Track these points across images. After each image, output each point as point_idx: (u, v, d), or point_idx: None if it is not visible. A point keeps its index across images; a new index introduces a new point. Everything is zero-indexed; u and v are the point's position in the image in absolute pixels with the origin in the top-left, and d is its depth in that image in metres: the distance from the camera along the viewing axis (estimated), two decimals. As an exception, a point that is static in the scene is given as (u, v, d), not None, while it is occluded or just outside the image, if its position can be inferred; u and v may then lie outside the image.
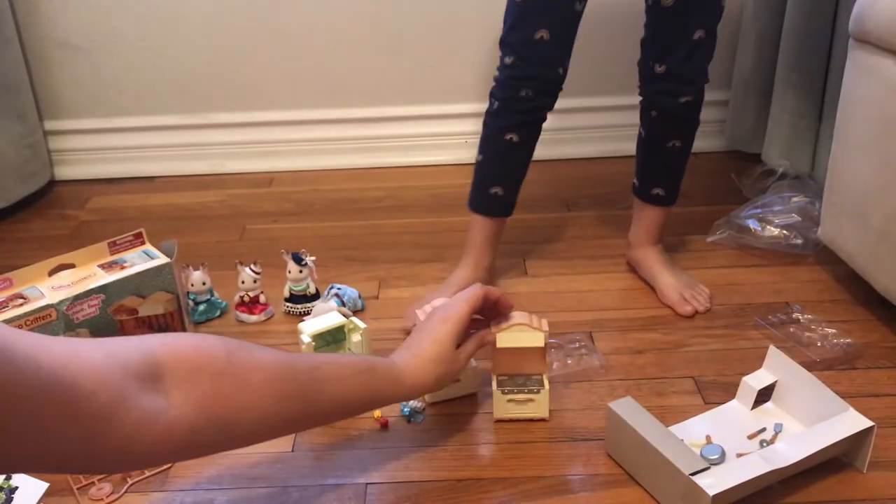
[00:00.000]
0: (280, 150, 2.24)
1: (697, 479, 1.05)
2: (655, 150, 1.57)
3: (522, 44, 1.42)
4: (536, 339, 1.25)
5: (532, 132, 1.52)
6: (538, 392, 1.27)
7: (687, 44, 1.43)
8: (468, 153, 2.24)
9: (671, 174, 1.59)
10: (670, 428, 1.19)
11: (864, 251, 1.48)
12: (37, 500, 1.11)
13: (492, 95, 1.51)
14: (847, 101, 1.49)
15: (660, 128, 1.54)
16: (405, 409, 1.32)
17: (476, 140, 2.22)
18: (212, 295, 1.60)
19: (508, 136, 1.51)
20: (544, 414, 1.29)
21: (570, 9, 1.42)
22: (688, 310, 1.53)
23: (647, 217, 1.61)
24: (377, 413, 1.31)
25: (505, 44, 1.45)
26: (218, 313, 1.60)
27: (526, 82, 1.45)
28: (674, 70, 1.46)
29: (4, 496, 1.11)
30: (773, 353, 1.27)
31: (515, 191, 1.58)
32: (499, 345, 1.25)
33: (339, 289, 1.58)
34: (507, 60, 1.45)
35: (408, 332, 1.44)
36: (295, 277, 1.57)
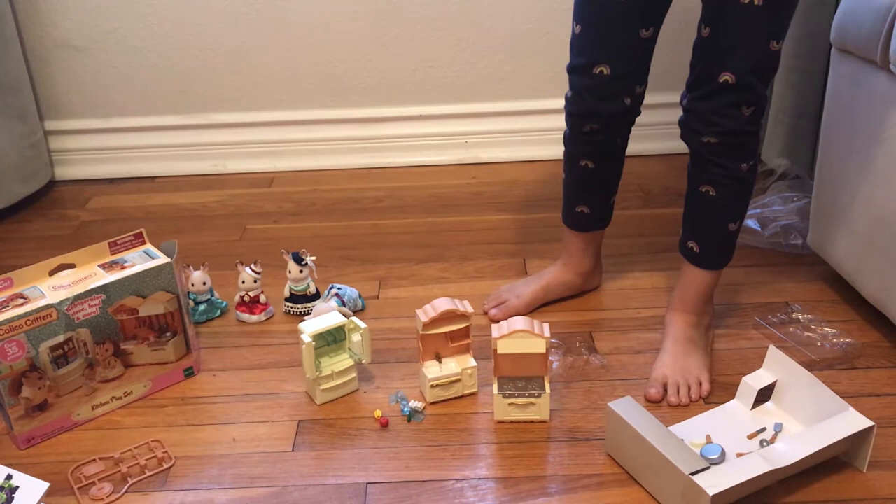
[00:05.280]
0: (280, 150, 2.24)
1: (697, 479, 1.05)
2: (689, 193, 1.41)
3: (581, 78, 1.35)
4: (538, 346, 1.25)
5: (608, 157, 1.48)
6: (539, 396, 1.27)
7: (710, 84, 1.26)
8: (468, 153, 2.25)
9: (704, 228, 1.40)
10: (670, 428, 1.19)
11: (851, 259, 1.49)
12: (37, 499, 1.11)
13: (566, 118, 1.45)
14: (832, 108, 1.50)
15: (692, 166, 1.38)
16: (405, 409, 1.32)
17: (475, 140, 2.24)
18: (212, 295, 1.60)
19: (584, 163, 1.48)
20: (545, 416, 1.29)
21: (633, 37, 1.31)
22: (651, 393, 1.33)
23: (683, 276, 1.44)
24: (377, 413, 1.31)
25: (568, 74, 1.38)
26: (218, 313, 1.61)
27: (588, 119, 1.39)
28: (690, 106, 1.31)
29: (5, 496, 1.11)
30: (773, 353, 1.27)
31: (604, 206, 1.54)
32: (500, 351, 1.25)
33: (339, 289, 1.58)
34: (568, 94, 1.40)
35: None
36: (295, 277, 1.58)
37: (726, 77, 1.25)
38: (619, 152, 1.49)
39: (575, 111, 1.41)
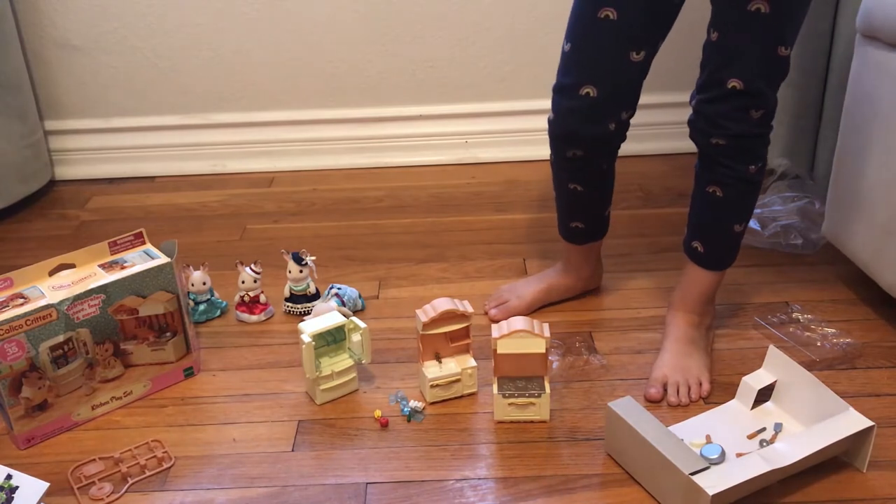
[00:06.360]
0: (280, 150, 2.24)
1: (697, 479, 1.05)
2: (696, 193, 1.39)
3: (565, 99, 1.32)
4: (537, 346, 1.25)
5: (595, 182, 1.46)
6: (539, 396, 1.27)
7: (719, 88, 1.26)
8: (468, 153, 2.25)
9: (709, 229, 1.40)
10: (670, 428, 1.19)
11: (869, 247, 1.48)
12: (37, 499, 1.11)
13: (549, 142, 1.41)
14: (854, 96, 1.49)
15: (700, 166, 1.37)
16: (405, 409, 1.32)
17: (475, 140, 2.24)
18: (212, 295, 1.60)
19: (572, 187, 1.46)
20: (545, 416, 1.29)
21: (622, 60, 1.28)
22: (651, 392, 1.33)
23: (686, 275, 1.44)
24: (377, 413, 1.31)
25: (553, 94, 1.35)
26: (218, 313, 1.61)
27: (570, 143, 1.36)
28: (699, 108, 1.30)
29: (5, 496, 1.11)
30: (773, 352, 1.27)
31: (599, 220, 1.53)
32: (500, 351, 1.25)
33: (339, 289, 1.58)
34: (550, 117, 1.36)
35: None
36: (295, 277, 1.58)
37: (734, 83, 1.24)
38: (606, 176, 1.47)
39: (556, 134, 1.37)
